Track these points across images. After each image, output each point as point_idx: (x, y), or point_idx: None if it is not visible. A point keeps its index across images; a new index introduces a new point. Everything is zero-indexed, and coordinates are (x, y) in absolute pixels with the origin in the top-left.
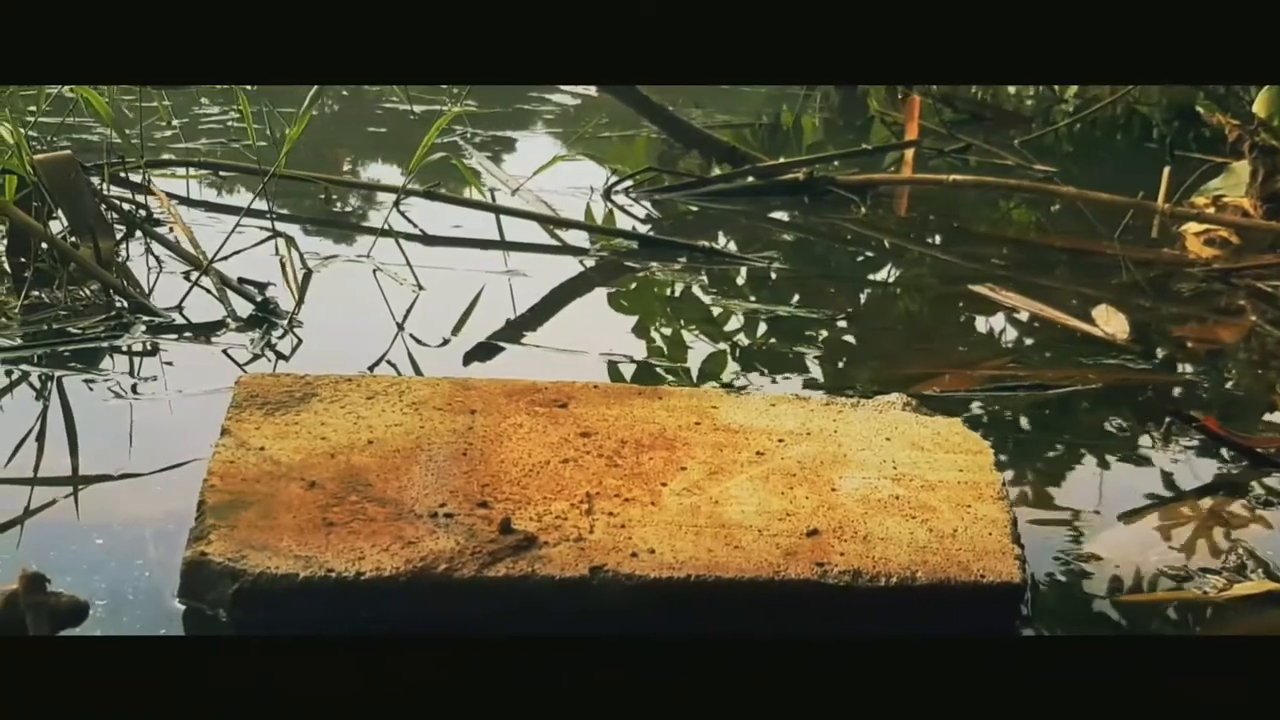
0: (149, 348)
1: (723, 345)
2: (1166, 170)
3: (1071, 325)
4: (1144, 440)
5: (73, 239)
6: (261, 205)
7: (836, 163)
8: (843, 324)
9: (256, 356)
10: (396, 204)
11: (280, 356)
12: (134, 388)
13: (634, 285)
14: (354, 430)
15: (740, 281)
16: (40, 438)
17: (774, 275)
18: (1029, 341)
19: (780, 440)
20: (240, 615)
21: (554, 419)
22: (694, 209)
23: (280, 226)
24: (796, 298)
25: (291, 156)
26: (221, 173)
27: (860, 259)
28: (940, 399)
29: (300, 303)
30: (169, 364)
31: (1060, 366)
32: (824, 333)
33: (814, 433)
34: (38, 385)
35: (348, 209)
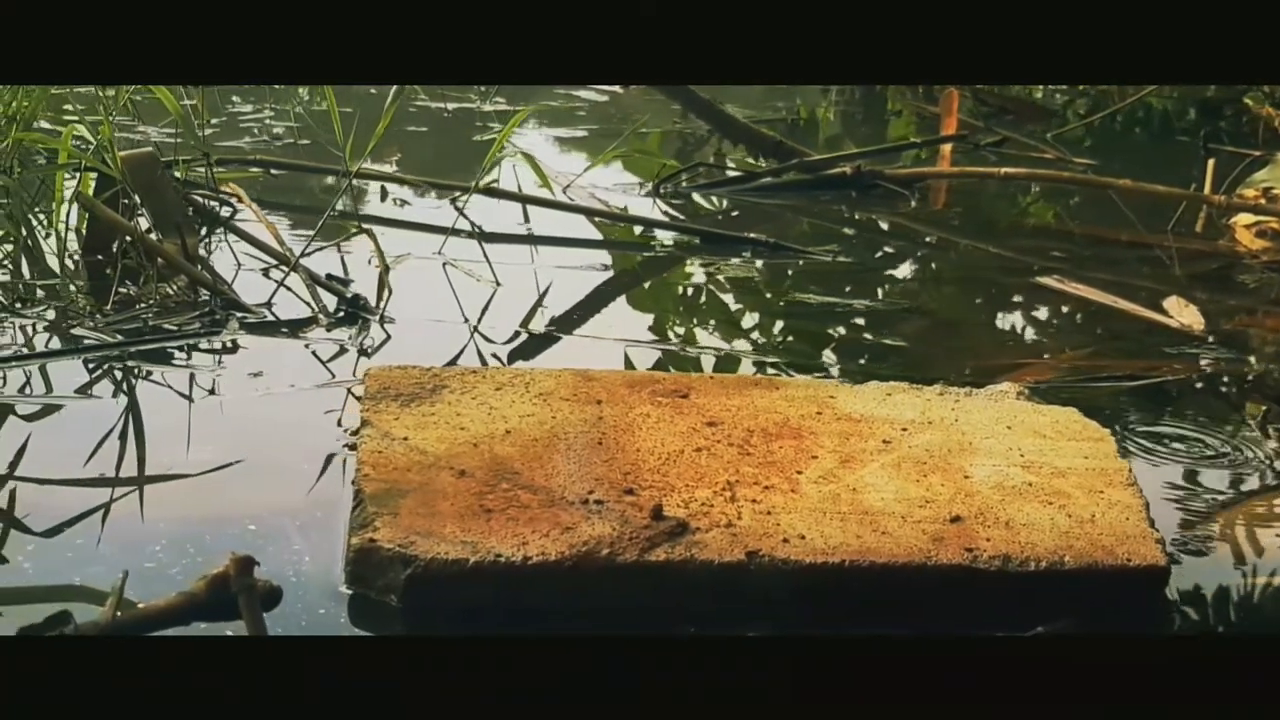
0: (229, 345)
1: (799, 337)
2: (1211, 163)
3: (1145, 316)
4: (1243, 427)
5: (154, 236)
6: (326, 202)
7: (859, 162)
8: (915, 316)
9: (343, 351)
10: (454, 200)
11: (362, 352)
12: (210, 382)
13: (703, 279)
14: (489, 420)
15: (802, 275)
16: (122, 434)
17: (838, 268)
18: (1101, 333)
19: (904, 429)
20: (411, 601)
21: (678, 409)
22: (722, 203)
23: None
24: (862, 290)
25: (341, 156)
26: (272, 170)
27: (917, 253)
28: (1033, 389)
29: (382, 298)
30: (223, 361)
31: (1142, 357)
32: (899, 325)
33: (935, 421)
34: (148, 382)
35: (407, 206)
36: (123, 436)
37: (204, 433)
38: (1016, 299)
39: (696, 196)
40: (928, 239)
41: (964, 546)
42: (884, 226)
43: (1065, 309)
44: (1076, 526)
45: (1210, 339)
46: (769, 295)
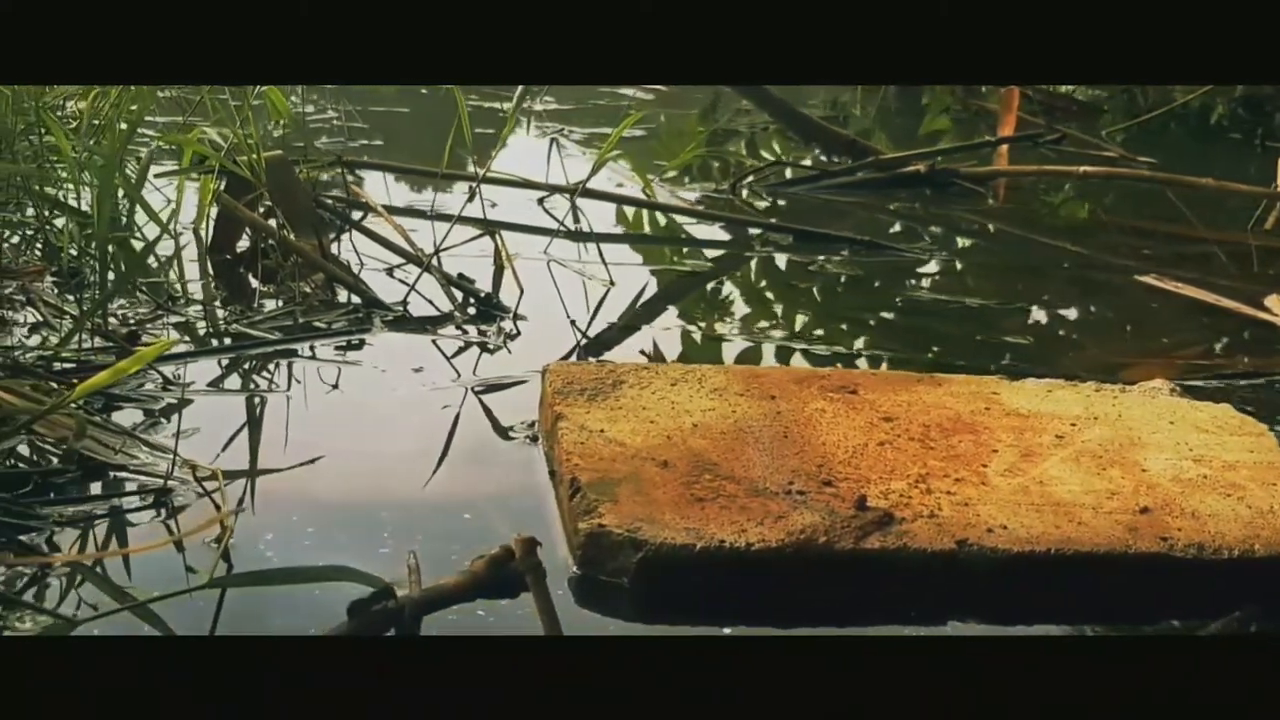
0: (358, 342)
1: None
2: None
3: (1248, 314)
4: None
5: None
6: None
7: (932, 160)
8: (1024, 312)
9: (469, 345)
10: (541, 200)
11: (483, 349)
12: (332, 376)
13: (803, 277)
14: (674, 414)
15: (899, 273)
16: (250, 426)
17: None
18: (1206, 330)
19: (1073, 424)
20: (640, 583)
21: (850, 404)
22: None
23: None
24: (962, 287)
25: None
26: (357, 171)
27: (1005, 250)
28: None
29: (500, 295)
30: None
31: (1255, 355)
32: (1012, 321)
33: (1100, 417)
34: (308, 377)
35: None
36: (250, 428)
37: (384, 427)
38: (1115, 296)
39: (790, 193)
40: (1006, 236)
41: (1158, 536)
42: (960, 225)
43: (1163, 306)
44: (1259, 517)
45: None
46: (880, 293)
